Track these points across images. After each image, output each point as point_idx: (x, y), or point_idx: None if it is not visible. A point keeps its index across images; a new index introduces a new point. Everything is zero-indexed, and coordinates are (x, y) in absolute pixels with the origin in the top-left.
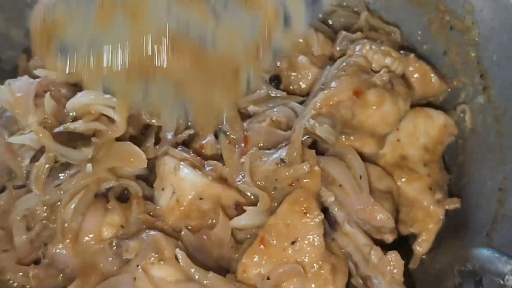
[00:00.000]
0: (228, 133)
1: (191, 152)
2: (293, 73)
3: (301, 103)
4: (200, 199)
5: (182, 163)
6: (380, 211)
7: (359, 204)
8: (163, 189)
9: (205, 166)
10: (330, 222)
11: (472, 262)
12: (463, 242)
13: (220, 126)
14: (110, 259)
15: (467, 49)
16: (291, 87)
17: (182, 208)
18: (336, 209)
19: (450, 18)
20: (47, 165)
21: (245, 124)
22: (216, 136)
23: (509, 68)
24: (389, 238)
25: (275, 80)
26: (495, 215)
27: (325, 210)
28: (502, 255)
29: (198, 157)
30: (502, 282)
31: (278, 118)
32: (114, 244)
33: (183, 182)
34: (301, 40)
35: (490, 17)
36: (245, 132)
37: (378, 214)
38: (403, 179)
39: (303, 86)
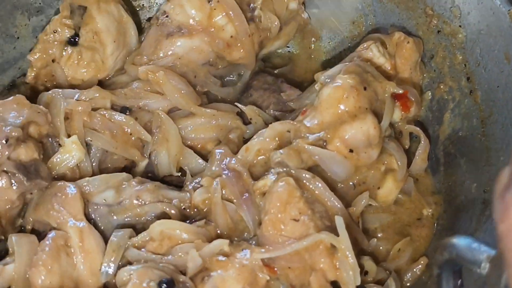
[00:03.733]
0: None
1: None
2: None
3: None
4: None
5: None
6: None
7: None
8: None
9: None
10: None
11: (449, 250)
12: None
13: None
14: None
15: (454, 53)
16: None
17: None
18: None
19: (437, 22)
20: None
21: None
22: None
23: (495, 70)
24: None
25: None
26: (479, 217)
27: None
28: (479, 243)
29: None
30: (478, 270)
31: None
32: None
33: None
34: None
35: (477, 20)
36: None
37: None
38: None
39: None
